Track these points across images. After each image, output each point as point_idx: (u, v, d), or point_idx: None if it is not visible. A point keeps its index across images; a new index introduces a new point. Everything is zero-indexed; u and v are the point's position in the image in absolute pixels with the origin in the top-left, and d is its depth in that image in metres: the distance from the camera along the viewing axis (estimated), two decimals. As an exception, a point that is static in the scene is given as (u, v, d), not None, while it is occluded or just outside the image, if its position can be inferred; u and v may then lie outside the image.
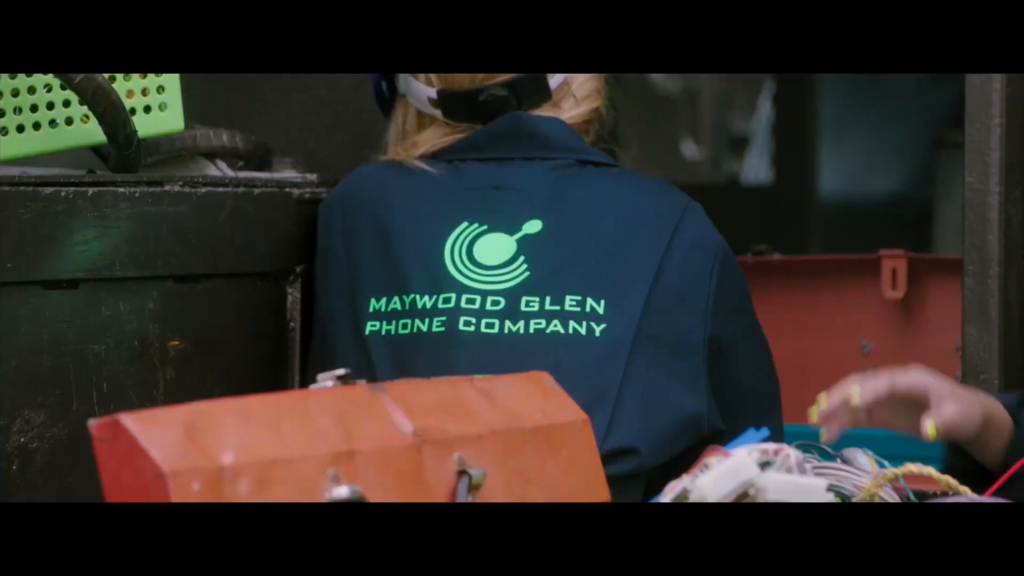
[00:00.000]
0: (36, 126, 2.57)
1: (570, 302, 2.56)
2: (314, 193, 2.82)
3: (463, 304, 2.56)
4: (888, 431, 2.49)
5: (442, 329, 2.56)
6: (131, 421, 1.78)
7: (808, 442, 2.29)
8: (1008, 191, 2.88)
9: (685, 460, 2.32)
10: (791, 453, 1.98)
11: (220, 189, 2.69)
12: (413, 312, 2.59)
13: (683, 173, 6.28)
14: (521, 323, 2.55)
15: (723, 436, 2.53)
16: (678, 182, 2.82)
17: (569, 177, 2.65)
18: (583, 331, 2.54)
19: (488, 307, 2.57)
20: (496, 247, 2.61)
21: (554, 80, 2.71)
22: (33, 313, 2.45)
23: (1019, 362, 2.93)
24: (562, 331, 2.55)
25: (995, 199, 2.87)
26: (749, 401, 2.64)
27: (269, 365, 2.76)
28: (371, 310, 2.62)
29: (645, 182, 2.69)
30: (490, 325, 2.56)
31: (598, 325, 2.55)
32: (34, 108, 2.57)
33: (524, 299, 2.56)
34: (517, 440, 2.06)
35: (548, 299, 2.56)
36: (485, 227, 2.63)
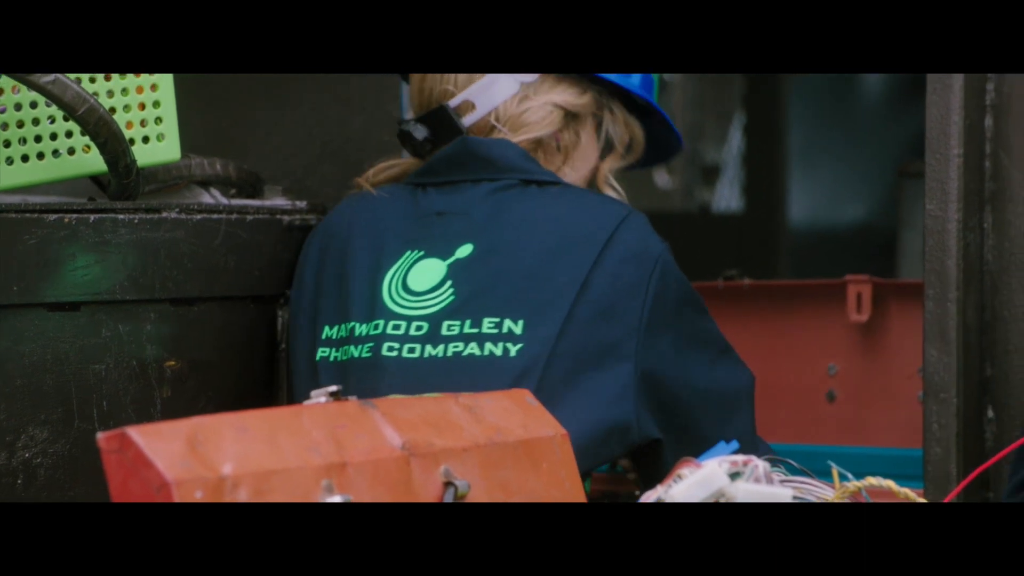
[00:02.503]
0: (40, 156, 2.59)
1: (488, 324, 2.56)
2: (304, 220, 2.86)
3: (389, 330, 2.58)
4: (857, 448, 2.55)
5: (369, 355, 2.58)
6: (137, 434, 1.83)
7: (775, 456, 2.35)
8: (967, 218, 2.89)
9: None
10: (759, 464, 2.04)
11: (214, 216, 2.72)
12: (351, 339, 2.61)
13: (656, 202, 6.30)
14: (441, 347, 2.56)
15: (660, 444, 2.56)
16: (651, 211, 2.83)
17: (507, 199, 2.64)
18: (499, 352, 2.54)
19: (412, 332, 2.58)
20: (428, 273, 2.63)
21: (502, 104, 2.71)
22: (37, 334, 2.48)
23: (977, 382, 2.93)
24: (478, 353, 2.54)
25: (954, 226, 2.87)
26: (707, 402, 2.64)
27: (260, 384, 2.80)
28: (323, 336, 2.65)
29: (586, 199, 2.66)
30: (412, 350, 2.57)
31: (514, 346, 2.54)
32: (38, 139, 2.59)
33: (446, 323, 2.57)
34: (499, 453, 2.11)
35: (468, 322, 2.56)
36: (422, 253, 2.64)
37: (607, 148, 2.83)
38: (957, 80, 2.85)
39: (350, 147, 3.24)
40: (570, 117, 2.74)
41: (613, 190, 2.80)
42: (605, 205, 2.65)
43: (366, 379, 2.57)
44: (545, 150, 2.73)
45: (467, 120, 2.71)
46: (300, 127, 3.27)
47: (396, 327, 2.59)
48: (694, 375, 2.63)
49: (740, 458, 2.04)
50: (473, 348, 2.55)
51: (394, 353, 2.57)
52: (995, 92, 2.90)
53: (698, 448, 2.28)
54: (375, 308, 2.59)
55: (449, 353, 2.55)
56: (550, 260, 2.57)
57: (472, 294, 2.57)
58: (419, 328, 2.57)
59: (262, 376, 2.81)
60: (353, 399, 2.05)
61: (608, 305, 2.55)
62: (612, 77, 2.72)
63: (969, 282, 2.89)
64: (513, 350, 2.53)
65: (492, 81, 2.70)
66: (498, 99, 2.70)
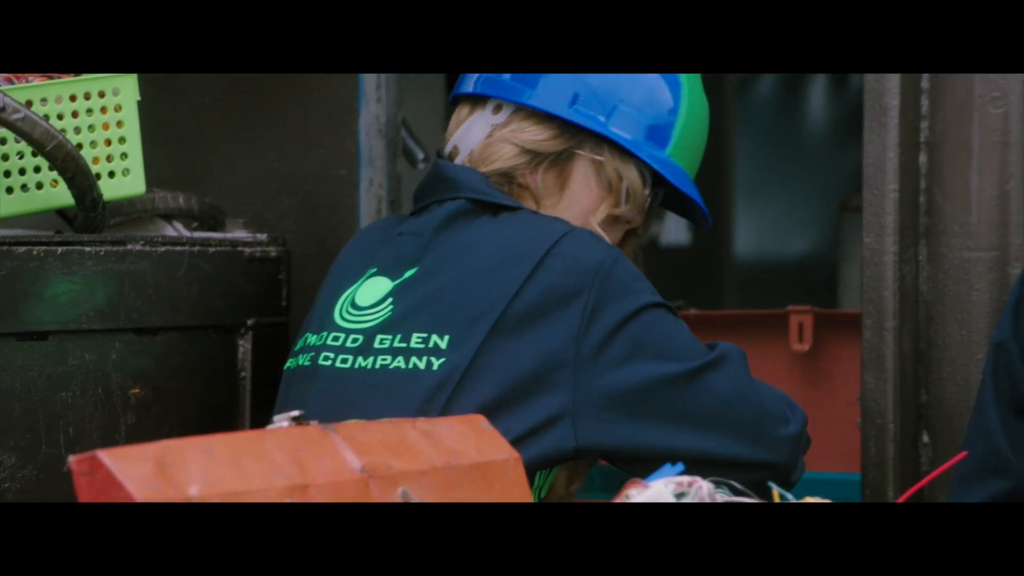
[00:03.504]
0: (9, 190, 2.64)
1: (416, 339, 2.56)
2: (264, 252, 2.91)
3: (329, 342, 2.61)
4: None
5: (308, 364, 2.61)
6: (107, 456, 1.88)
7: (720, 479, 2.41)
8: (902, 251, 2.95)
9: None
10: (703, 485, 2.10)
11: (178, 248, 2.76)
12: (302, 349, 2.65)
13: (606, 235, 6.35)
14: (371, 359, 2.57)
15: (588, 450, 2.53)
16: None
17: (461, 221, 2.65)
18: (422, 366, 2.54)
19: (348, 344, 2.60)
20: (374, 290, 2.64)
21: (476, 145, 2.71)
22: (6, 362, 2.52)
23: (913, 408, 2.99)
24: (403, 367, 2.55)
25: (891, 258, 2.94)
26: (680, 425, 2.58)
27: (222, 410, 2.84)
28: (295, 348, 2.70)
29: (534, 220, 2.64)
30: (344, 360, 2.59)
31: (438, 359, 2.53)
32: (7, 173, 2.63)
33: (379, 337, 2.58)
34: (455, 476, 2.15)
35: (399, 337, 2.57)
36: (375, 270, 2.66)
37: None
38: (892, 119, 2.93)
39: (308, 182, 3.28)
40: (536, 156, 2.71)
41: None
42: (550, 224, 2.62)
43: (303, 386, 2.60)
44: (513, 186, 2.72)
45: (456, 163, 2.75)
46: (260, 163, 3.31)
47: (335, 339, 2.62)
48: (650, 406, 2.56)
49: (686, 479, 2.11)
50: (399, 362, 2.57)
51: (328, 363, 2.59)
52: (929, 130, 2.97)
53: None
54: (326, 321, 2.63)
55: (377, 365, 2.57)
56: (486, 278, 2.57)
57: (407, 311, 2.59)
58: (355, 341, 2.60)
59: (223, 403, 2.85)
60: (315, 423, 2.10)
61: (538, 314, 2.53)
62: (581, 120, 2.70)
63: (905, 312, 2.95)
64: (436, 364, 2.54)
65: (470, 125, 2.74)
66: (473, 141, 2.73)
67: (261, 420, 2.76)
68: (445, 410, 2.50)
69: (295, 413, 2.11)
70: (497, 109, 2.74)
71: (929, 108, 2.97)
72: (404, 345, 2.57)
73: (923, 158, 2.97)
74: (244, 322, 2.87)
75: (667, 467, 2.24)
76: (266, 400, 2.85)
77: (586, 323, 2.53)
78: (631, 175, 2.69)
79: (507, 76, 2.73)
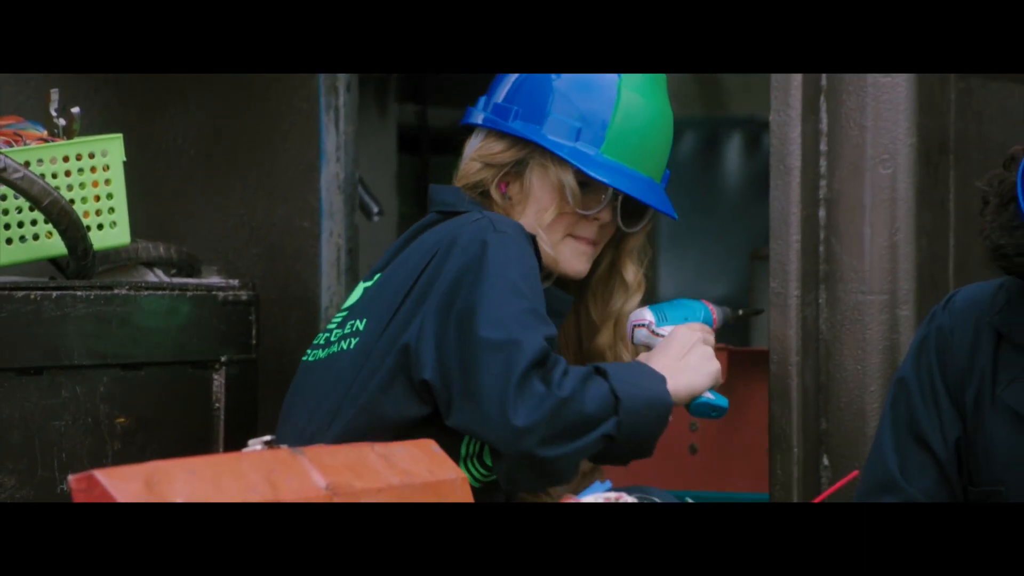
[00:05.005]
0: (8, 241, 2.68)
1: (349, 326, 2.66)
2: (236, 295, 2.94)
3: (317, 340, 2.73)
4: (715, 493, 2.66)
5: (303, 359, 2.74)
6: (102, 475, 1.95)
7: (643, 494, 2.49)
8: (804, 295, 2.97)
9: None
10: (628, 499, 2.19)
11: (159, 292, 2.81)
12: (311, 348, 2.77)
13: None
14: (327, 351, 2.68)
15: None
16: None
17: (428, 229, 2.69)
18: (346, 347, 2.64)
19: (322, 341, 2.71)
20: (355, 294, 2.73)
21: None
22: (5, 395, 2.57)
23: (814, 434, 3.00)
24: (336, 350, 2.65)
25: (794, 302, 2.96)
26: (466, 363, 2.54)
27: (199, 437, 2.87)
28: None
29: (465, 219, 2.65)
30: (315, 355, 2.70)
31: (356, 340, 2.62)
32: (7, 226, 2.68)
33: (336, 332, 2.68)
34: (409, 493, 2.20)
35: (346, 328, 2.66)
36: (365, 277, 2.74)
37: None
38: (795, 178, 2.96)
39: (275, 233, 3.31)
40: (497, 168, 2.73)
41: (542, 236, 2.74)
42: (471, 220, 2.63)
43: (297, 375, 2.72)
44: (484, 198, 2.75)
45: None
46: (231, 215, 3.32)
47: (320, 337, 2.72)
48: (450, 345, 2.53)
49: (613, 494, 2.20)
50: (337, 347, 2.66)
51: (308, 357, 2.71)
52: (827, 188, 3.00)
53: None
54: (327, 323, 2.73)
55: (329, 353, 2.68)
56: (405, 269, 2.63)
57: (356, 307, 2.68)
58: (326, 337, 2.70)
59: (200, 431, 2.88)
60: (284, 447, 2.18)
61: (424, 294, 2.58)
62: (520, 131, 2.71)
63: (807, 349, 2.98)
64: (353, 343, 2.62)
65: (466, 151, 2.81)
66: (463, 162, 2.80)
67: (234, 446, 2.78)
68: (365, 377, 2.56)
69: (267, 438, 2.19)
70: (478, 134, 2.80)
71: (827, 169, 3.00)
72: (343, 332, 2.66)
73: (822, 213, 3.00)
74: (218, 358, 2.90)
75: (597, 484, 2.34)
76: (238, 427, 2.90)
77: (427, 286, 2.57)
78: (567, 177, 2.70)
79: (481, 100, 2.79)
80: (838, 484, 2.52)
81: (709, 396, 2.69)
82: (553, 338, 2.51)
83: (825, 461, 3.01)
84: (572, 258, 2.75)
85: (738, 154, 6.81)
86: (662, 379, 2.57)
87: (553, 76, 2.74)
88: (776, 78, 2.99)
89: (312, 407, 2.65)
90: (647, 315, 2.77)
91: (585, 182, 2.72)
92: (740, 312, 2.94)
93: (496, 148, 2.75)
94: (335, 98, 3.29)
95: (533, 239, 2.67)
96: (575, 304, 2.83)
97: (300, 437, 2.61)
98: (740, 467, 3.64)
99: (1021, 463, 2.44)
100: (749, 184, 6.59)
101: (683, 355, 2.67)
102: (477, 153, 2.77)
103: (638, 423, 2.50)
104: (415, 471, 2.26)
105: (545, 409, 2.43)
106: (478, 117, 2.79)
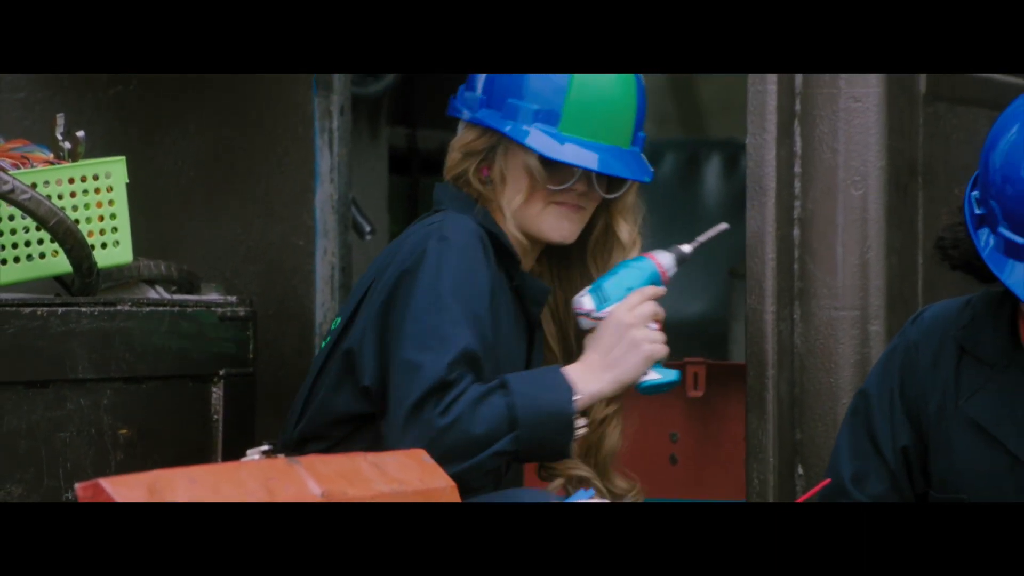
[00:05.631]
0: (16, 260, 2.70)
1: (332, 326, 2.74)
2: (234, 311, 2.96)
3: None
4: (694, 501, 2.67)
5: None
6: (108, 483, 1.98)
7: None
8: (780, 311, 3.00)
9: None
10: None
11: (160, 308, 2.83)
12: None
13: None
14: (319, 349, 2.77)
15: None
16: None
17: (412, 228, 2.73)
18: (323, 346, 2.73)
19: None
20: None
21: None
22: (13, 407, 2.58)
23: (790, 444, 3.02)
24: (319, 350, 2.74)
25: (770, 317, 2.98)
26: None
27: (198, 448, 2.88)
28: None
29: (434, 219, 2.70)
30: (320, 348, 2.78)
31: (328, 339, 2.71)
32: (15, 245, 2.70)
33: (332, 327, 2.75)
34: (401, 500, 2.25)
35: (331, 327, 2.74)
36: None
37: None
38: (770, 199, 3.00)
39: (271, 251, 3.31)
40: (472, 156, 2.75)
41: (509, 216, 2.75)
42: (427, 223, 2.68)
43: None
44: (469, 184, 2.77)
45: None
46: (229, 234, 3.33)
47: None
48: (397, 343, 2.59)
49: (597, 500, 2.23)
50: (320, 347, 2.76)
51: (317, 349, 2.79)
52: (801, 208, 3.03)
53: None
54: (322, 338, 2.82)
55: (316, 354, 2.78)
56: (370, 271, 2.69)
57: (342, 308, 2.76)
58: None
59: (199, 442, 2.89)
60: (281, 457, 2.21)
61: (371, 298, 2.65)
62: (484, 119, 2.73)
63: (782, 363, 3.01)
64: (325, 343, 2.71)
65: None
66: (448, 153, 2.83)
67: (232, 456, 2.78)
68: (323, 377, 2.64)
69: (265, 447, 2.22)
70: (460, 125, 2.83)
71: (801, 190, 3.03)
72: (329, 332, 2.74)
73: (796, 232, 3.03)
74: (217, 372, 2.91)
75: (581, 492, 2.38)
76: (236, 438, 2.91)
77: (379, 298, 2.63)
78: (531, 159, 2.72)
79: (460, 90, 2.80)
80: (811, 491, 2.55)
81: (653, 377, 2.64)
82: (467, 352, 2.54)
83: (800, 470, 3.04)
84: (556, 223, 2.75)
85: (717, 175, 6.82)
86: (567, 389, 2.57)
87: None
88: (752, 103, 3.01)
89: (293, 406, 2.74)
90: (586, 303, 2.71)
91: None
92: (699, 241, 2.80)
93: (471, 137, 2.78)
94: (329, 122, 3.31)
95: (494, 235, 2.69)
96: (579, 270, 2.83)
97: (285, 435, 2.67)
98: (718, 476, 3.65)
99: (981, 472, 2.48)
100: (727, 204, 6.59)
101: (611, 349, 2.65)
102: (457, 143, 2.80)
103: (538, 436, 2.53)
104: (406, 479, 2.29)
105: (428, 437, 2.49)
106: (450, 108, 2.83)
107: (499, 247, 2.71)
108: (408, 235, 2.70)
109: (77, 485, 1.97)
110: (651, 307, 2.70)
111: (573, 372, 2.62)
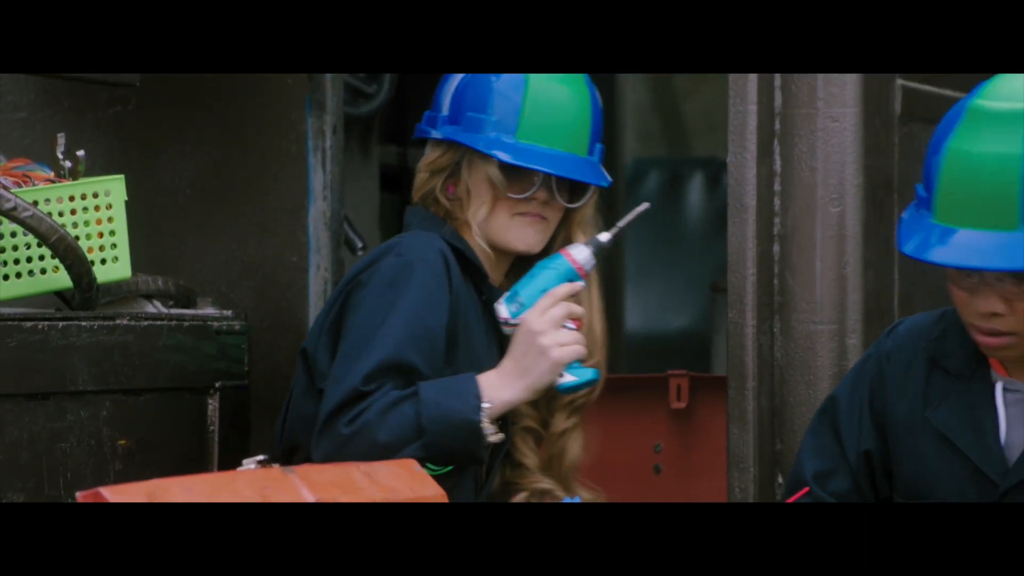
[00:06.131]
0: (18, 275, 2.71)
1: None
2: (229, 326, 2.97)
3: None
4: None
5: None
6: (108, 492, 1.99)
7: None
8: (760, 324, 3.02)
9: None
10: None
11: (157, 323, 2.84)
12: None
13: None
14: None
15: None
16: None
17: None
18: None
19: None
20: None
21: None
22: (15, 418, 2.58)
23: (770, 455, 3.06)
24: None
25: (750, 331, 3.00)
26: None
27: (194, 458, 2.89)
28: None
29: (393, 239, 2.77)
30: None
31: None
32: (16, 261, 2.71)
33: None
34: None
35: None
36: None
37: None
38: (751, 215, 3.02)
39: (265, 267, 3.32)
40: (438, 173, 2.80)
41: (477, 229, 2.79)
42: (388, 242, 2.74)
43: None
44: (435, 204, 2.82)
45: None
46: (225, 250, 3.34)
47: None
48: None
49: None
50: None
51: None
52: (781, 225, 3.06)
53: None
54: None
55: None
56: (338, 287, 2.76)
57: None
58: None
59: (195, 452, 2.90)
60: (276, 466, 2.22)
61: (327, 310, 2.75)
62: (445, 135, 2.78)
63: (762, 375, 3.03)
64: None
65: None
66: (416, 175, 2.88)
67: (227, 466, 2.78)
68: (297, 385, 2.73)
69: (261, 457, 2.24)
70: (427, 146, 2.88)
71: (781, 207, 3.05)
72: None
73: (776, 248, 3.05)
74: (213, 385, 2.93)
75: (565, 500, 2.39)
76: (231, 449, 2.92)
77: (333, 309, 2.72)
78: (491, 169, 2.76)
79: (425, 115, 2.85)
80: (790, 500, 2.57)
81: (568, 379, 2.63)
82: (389, 361, 2.58)
83: (780, 479, 3.06)
84: (521, 233, 2.78)
85: (699, 192, 6.85)
86: (474, 396, 2.60)
87: (469, 76, 2.80)
88: (733, 122, 3.04)
89: (279, 418, 2.80)
90: (502, 311, 2.72)
91: (513, 168, 2.77)
92: (619, 227, 2.76)
93: (436, 155, 2.82)
94: (322, 141, 3.32)
95: (460, 252, 2.73)
96: None
97: (274, 448, 2.73)
98: (701, 486, 3.67)
99: (944, 480, 2.51)
100: (710, 220, 6.62)
101: (523, 356, 2.66)
102: (423, 163, 2.85)
103: (446, 443, 2.58)
104: (397, 488, 2.31)
105: (335, 446, 2.56)
106: (420, 131, 2.87)
107: (466, 263, 2.75)
108: (367, 255, 2.76)
109: (78, 494, 1.99)
110: (563, 309, 2.69)
111: (485, 380, 2.64)
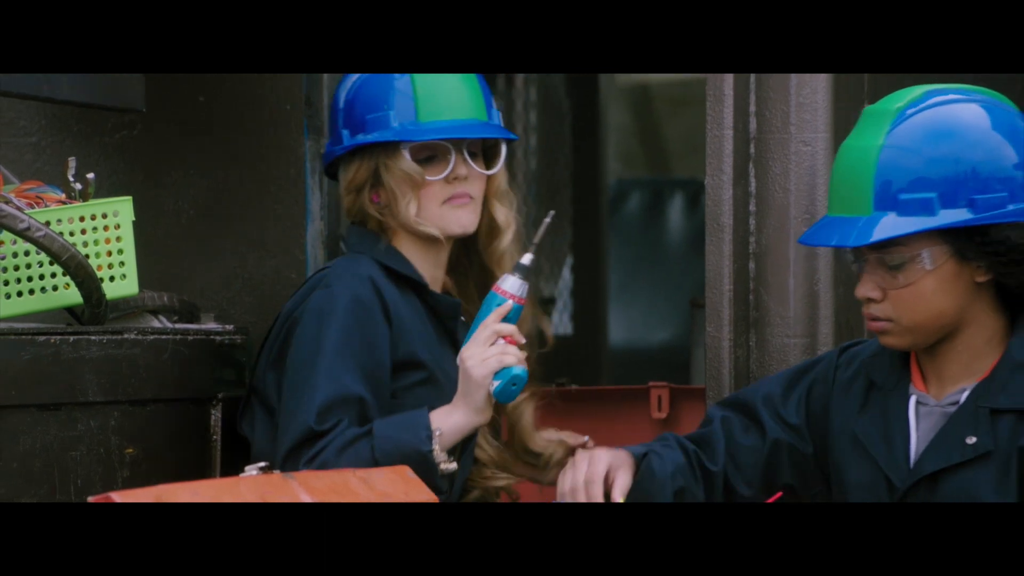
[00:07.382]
0: (31, 292, 2.73)
1: None
2: (231, 339, 2.99)
3: None
4: None
5: None
6: (118, 496, 2.02)
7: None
8: (736, 338, 3.03)
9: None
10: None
11: (163, 337, 2.86)
12: None
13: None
14: None
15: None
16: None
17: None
18: None
19: None
20: None
21: None
22: (28, 428, 2.61)
23: None
24: None
25: (727, 344, 3.02)
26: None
27: (197, 466, 2.91)
28: None
29: (326, 268, 2.82)
30: None
31: None
32: (30, 279, 2.72)
33: None
34: None
35: None
36: None
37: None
38: (727, 235, 3.03)
39: (265, 283, 3.32)
40: (359, 187, 2.83)
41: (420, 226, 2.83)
42: (323, 268, 2.79)
43: None
44: (368, 220, 2.85)
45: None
46: (226, 268, 3.33)
47: None
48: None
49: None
50: None
51: None
52: (756, 243, 3.07)
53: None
54: None
55: None
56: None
57: None
58: None
59: (198, 460, 2.92)
60: (277, 472, 2.25)
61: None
62: (358, 143, 2.81)
63: (739, 386, 3.02)
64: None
65: None
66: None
67: (228, 473, 2.75)
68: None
69: (262, 464, 2.26)
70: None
71: (756, 226, 3.06)
72: None
73: (752, 265, 3.06)
74: (215, 396, 2.94)
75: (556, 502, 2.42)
76: (233, 457, 2.92)
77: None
78: (404, 161, 2.80)
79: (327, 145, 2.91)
80: (767, 502, 2.59)
81: (495, 385, 2.64)
82: (338, 397, 2.64)
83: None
84: (454, 216, 2.82)
85: (679, 212, 6.88)
86: (424, 428, 2.64)
87: (353, 86, 2.84)
88: (710, 146, 3.05)
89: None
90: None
91: (427, 157, 2.80)
92: (535, 244, 2.75)
93: (350, 173, 2.85)
94: (319, 163, 3.34)
95: (394, 270, 2.76)
96: (478, 260, 2.89)
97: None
98: (681, 492, 3.67)
99: (863, 487, 2.56)
100: (689, 239, 6.64)
101: (462, 383, 2.69)
102: (342, 186, 2.88)
103: None
104: (392, 493, 2.33)
105: None
106: (328, 156, 2.90)
107: (402, 278, 2.78)
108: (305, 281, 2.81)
109: (89, 498, 2.01)
110: (487, 331, 2.70)
111: (436, 412, 2.69)
